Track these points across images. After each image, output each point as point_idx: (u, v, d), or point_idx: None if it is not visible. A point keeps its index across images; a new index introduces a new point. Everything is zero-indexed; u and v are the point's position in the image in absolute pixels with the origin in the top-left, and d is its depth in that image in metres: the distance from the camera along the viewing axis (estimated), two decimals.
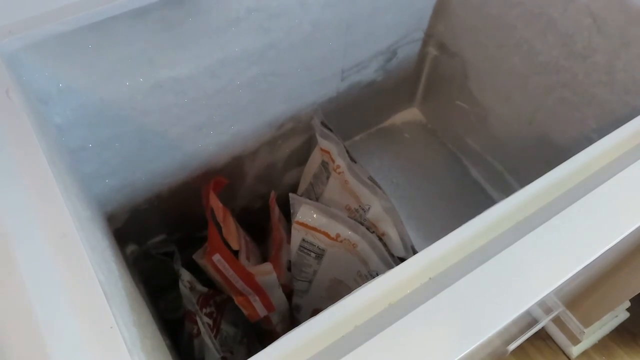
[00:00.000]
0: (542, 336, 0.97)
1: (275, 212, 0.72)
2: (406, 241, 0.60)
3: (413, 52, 0.79)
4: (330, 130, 0.73)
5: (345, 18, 0.62)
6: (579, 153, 0.38)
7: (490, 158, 0.81)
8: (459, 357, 0.29)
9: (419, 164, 0.84)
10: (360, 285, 0.32)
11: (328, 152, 0.71)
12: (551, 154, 0.68)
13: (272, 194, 0.74)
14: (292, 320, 0.74)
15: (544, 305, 0.90)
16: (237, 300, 0.65)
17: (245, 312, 0.66)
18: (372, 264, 0.60)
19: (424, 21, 0.74)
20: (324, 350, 0.28)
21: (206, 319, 0.65)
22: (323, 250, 0.66)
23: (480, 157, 0.82)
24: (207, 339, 0.64)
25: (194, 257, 0.67)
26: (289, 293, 0.69)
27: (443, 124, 0.88)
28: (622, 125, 0.40)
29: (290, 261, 0.69)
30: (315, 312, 0.33)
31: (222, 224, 0.64)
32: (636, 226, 0.34)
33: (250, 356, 0.28)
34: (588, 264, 0.33)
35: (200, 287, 0.67)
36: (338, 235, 0.64)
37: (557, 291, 0.33)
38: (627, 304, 0.93)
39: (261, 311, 0.65)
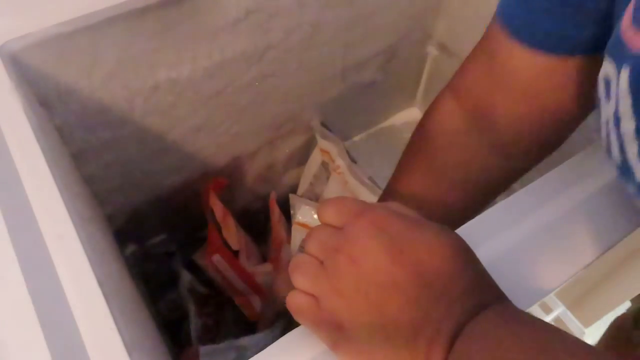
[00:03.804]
0: None
1: (276, 212, 0.72)
2: None
3: (413, 52, 0.79)
4: (330, 130, 0.73)
5: (345, 18, 0.62)
6: (579, 153, 0.38)
7: None
8: None
9: None
10: None
11: (328, 153, 0.71)
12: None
13: (272, 195, 0.74)
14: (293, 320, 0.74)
15: (544, 305, 0.90)
16: (237, 300, 0.65)
17: (245, 312, 0.66)
18: None
19: (424, 21, 0.74)
20: (325, 350, 0.28)
21: (206, 319, 0.65)
22: None
23: None
24: (207, 339, 0.64)
25: (194, 257, 0.67)
26: None
27: None
28: None
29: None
30: None
31: (222, 224, 0.64)
32: (637, 227, 0.34)
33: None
34: (587, 265, 0.33)
35: (200, 288, 0.67)
36: None
37: (557, 291, 0.33)
38: (627, 304, 0.93)
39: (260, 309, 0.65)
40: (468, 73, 0.41)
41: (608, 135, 0.26)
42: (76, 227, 0.31)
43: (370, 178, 0.68)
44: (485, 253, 0.32)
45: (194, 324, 0.64)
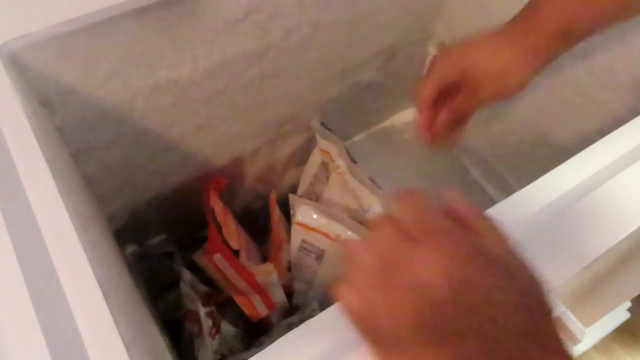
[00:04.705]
0: None
1: (276, 212, 0.72)
2: None
3: (413, 52, 0.79)
4: (330, 130, 0.73)
5: (345, 18, 0.62)
6: (579, 153, 0.38)
7: (490, 158, 0.81)
8: None
9: (419, 164, 0.84)
10: None
11: (328, 153, 0.71)
12: (551, 154, 0.68)
13: (272, 195, 0.74)
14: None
15: None
16: (238, 300, 0.65)
17: (246, 311, 0.66)
18: None
19: (424, 21, 0.74)
20: (325, 351, 0.28)
21: (207, 319, 0.65)
22: (323, 251, 0.66)
23: (480, 157, 0.82)
24: (208, 338, 0.64)
25: (194, 257, 0.67)
26: (289, 294, 0.69)
27: None
28: (622, 125, 0.40)
29: (290, 262, 0.69)
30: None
31: (222, 224, 0.64)
32: (636, 227, 0.34)
33: (250, 356, 0.28)
34: (588, 265, 0.33)
35: (201, 287, 0.67)
36: (338, 236, 0.64)
37: (557, 291, 0.33)
38: (627, 304, 0.93)
39: (262, 310, 0.65)
40: None
41: None
42: (76, 227, 0.31)
43: (370, 178, 0.68)
44: None
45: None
